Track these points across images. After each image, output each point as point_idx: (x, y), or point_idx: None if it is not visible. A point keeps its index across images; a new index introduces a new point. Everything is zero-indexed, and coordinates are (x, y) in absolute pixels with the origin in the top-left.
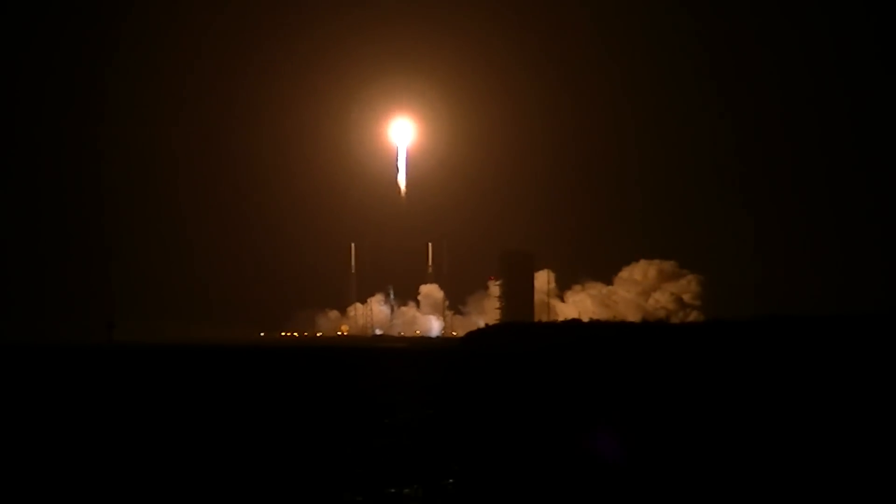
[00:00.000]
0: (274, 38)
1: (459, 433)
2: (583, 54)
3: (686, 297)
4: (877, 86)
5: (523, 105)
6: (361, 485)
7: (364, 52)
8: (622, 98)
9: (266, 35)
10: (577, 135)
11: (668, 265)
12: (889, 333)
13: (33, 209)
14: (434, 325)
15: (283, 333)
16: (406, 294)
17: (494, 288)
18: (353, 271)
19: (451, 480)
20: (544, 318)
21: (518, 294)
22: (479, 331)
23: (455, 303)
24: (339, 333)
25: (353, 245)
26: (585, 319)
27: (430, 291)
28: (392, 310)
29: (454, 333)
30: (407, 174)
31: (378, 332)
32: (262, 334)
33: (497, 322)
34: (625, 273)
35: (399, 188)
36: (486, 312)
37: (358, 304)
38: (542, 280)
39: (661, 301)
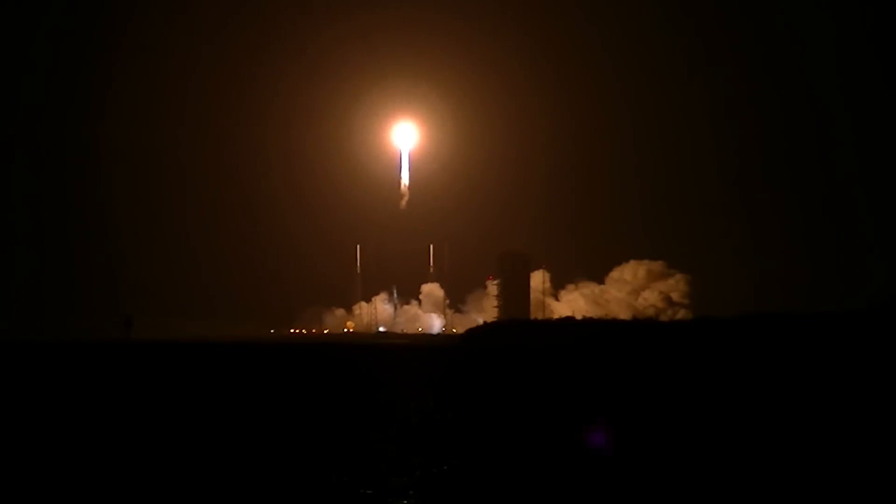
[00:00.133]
0: (278, 43)
1: (458, 427)
2: (582, 60)
3: (674, 296)
4: (866, 91)
5: (522, 110)
6: (361, 477)
7: (368, 57)
8: (621, 104)
9: (271, 41)
10: (573, 140)
11: (657, 265)
12: (871, 330)
13: (54, 212)
14: (435, 323)
15: (291, 330)
16: (408, 293)
17: (492, 287)
18: (358, 271)
19: (448, 473)
20: (540, 316)
21: (515, 293)
22: (479, 328)
23: (455, 301)
24: (345, 330)
25: (358, 247)
26: (579, 317)
27: (432, 290)
28: (395, 308)
29: (454, 330)
30: (409, 177)
31: (382, 329)
32: (272, 331)
33: (495, 319)
34: (616, 273)
35: (402, 192)
36: (485, 310)
37: (363, 303)
38: (538, 280)
39: (650, 299)
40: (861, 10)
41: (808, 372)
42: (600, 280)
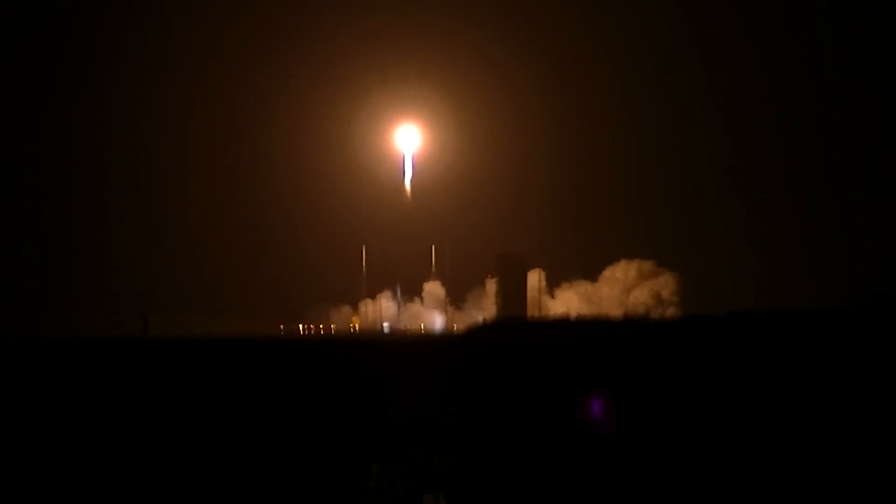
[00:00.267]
0: (283, 49)
1: (458, 421)
2: (582, 64)
3: (664, 294)
4: (863, 93)
5: (522, 114)
6: (359, 469)
7: (371, 60)
8: (620, 110)
9: (275, 45)
10: (569, 145)
11: (647, 265)
12: (857, 327)
13: (79, 220)
14: (437, 320)
15: (300, 327)
16: (411, 291)
17: (491, 286)
18: (363, 271)
19: (447, 469)
20: (536, 314)
21: (512, 291)
22: (478, 324)
23: (455, 299)
24: (350, 327)
25: (363, 247)
26: (573, 315)
27: (433, 289)
28: (399, 306)
29: (455, 327)
30: (412, 180)
31: (386, 326)
32: (281, 327)
33: (494, 317)
34: (608, 272)
35: (405, 194)
36: (484, 308)
37: (368, 301)
38: (534, 279)
39: (640, 298)
40: (861, 17)
41: (793, 368)
42: (593, 279)
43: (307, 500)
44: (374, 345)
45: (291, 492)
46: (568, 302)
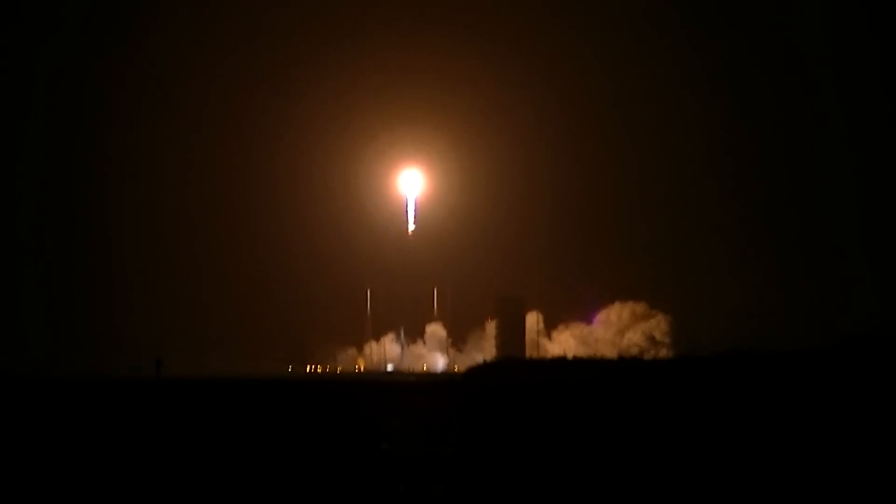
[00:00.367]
0: (286, 91)
1: (459, 454)
2: (587, 116)
3: (657, 335)
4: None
5: (525, 160)
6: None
7: (374, 105)
8: (619, 163)
9: (278, 91)
10: (566, 193)
11: (640, 307)
12: (841, 366)
13: (97, 266)
14: (438, 361)
15: (307, 368)
16: (414, 333)
17: (491, 327)
18: (368, 313)
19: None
20: (535, 355)
21: (511, 333)
22: (479, 365)
23: (457, 341)
24: (357, 368)
25: (368, 291)
26: (569, 356)
27: (435, 331)
28: (402, 347)
29: (456, 368)
30: (415, 224)
31: (390, 367)
32: (289, 368)
33: (494, 357)
34: (602, 314)
35: (408, 238)
36: (484, 349)
37: (373, 342)
38: (532, 321)
39: (633, 339)
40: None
41: (777, 407)
42: (588, 321)
43: None
44: (380, 384)
45: None
46: (564, 343)
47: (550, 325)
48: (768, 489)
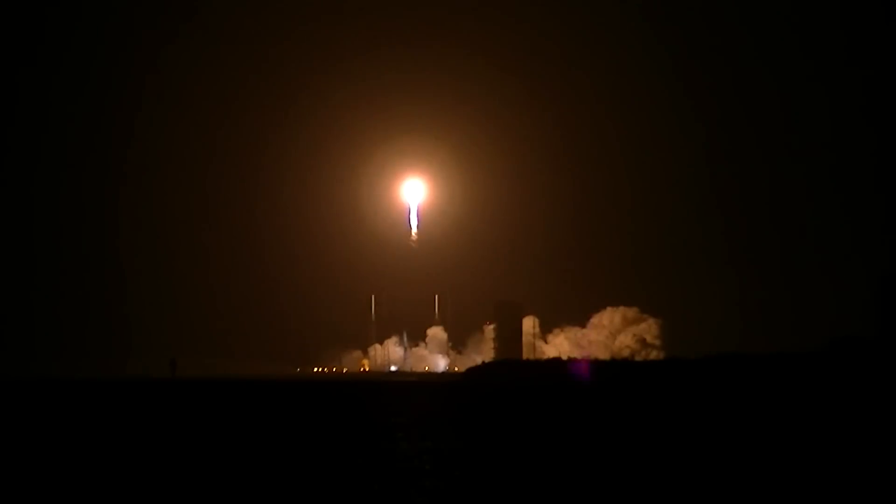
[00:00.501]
0: (295, 106)
1: (463, 454)
2: (582, 128)
3: (648, 338)
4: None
5: (522, 172)
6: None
7: (378, 118)
8: (611, 174)
9: (285, 106)
10: (562, 201)
11: (631, 311)
12: (825, 369)
13: (111, 262)
14: (440, 363)
15: (314, 369)
16: (416, 336)
17: (489, 331)
18: (373, 318)
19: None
20: (531, 357)
21: (509, 336)
22: (478, 367)
23: (457, 344)
24: (361, 370)
25: (373, 296)
26: (564, 358)
27: (436, 334)
28: (405, 350)
29: (456, 369)
30: (418, 231)
31: (394, 368)
32: (297, 370)
33: (492, 359)
34: (595, 319)
35: (411, 245)
36: (483, 352)
37: (377, 345)
38: (529, 324)
39: (625, 342)
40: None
41: (762, 408)
42: (582, 324)
43: None
44: (384, 385)
45: None
46: (559, 346)
47: (546, 329)
48: (756, 481)
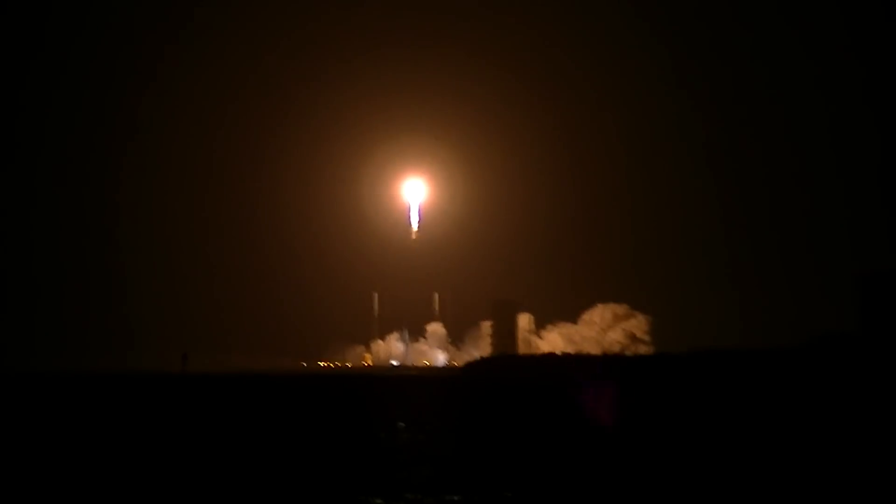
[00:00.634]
0: (295, 106)
1: (463, 444)
2: (580, 133)
3: (637, 334)
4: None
5: (518, 173)
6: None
7: (380, 118)
8: (609, 173)
9: (289, 108)
10: (558, 203)
11: (621, 308)
12: (808, 364)
13: (124, 262)
14: (439, 357)
15: (320, 364)
16: (417, 332)
17: (487, 327)
18: (375, 314)
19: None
20: (526, 352)
21: (505, 332)
22: (476, 361)
23: (455, 339)
24: (364, 363)
25: (375, 294)
26: (558, 353)
27: (436, 330)
28: (406, 345)
29: (455, 363)
30: (418, 229)
31: (395, 362)
32: (303, 364)
33: (489, 354)
34: (587, 315)
35: (411, 243)
36: (481, 347)
37: (379, 340)
38: (524, 321)
39: (615, 337)
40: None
41: (747, 402)
42: (574, 321)
43: None
44: (386, 379)
45: None
46: (553, 342)
47: (540, 325)
48: (745, 474)
